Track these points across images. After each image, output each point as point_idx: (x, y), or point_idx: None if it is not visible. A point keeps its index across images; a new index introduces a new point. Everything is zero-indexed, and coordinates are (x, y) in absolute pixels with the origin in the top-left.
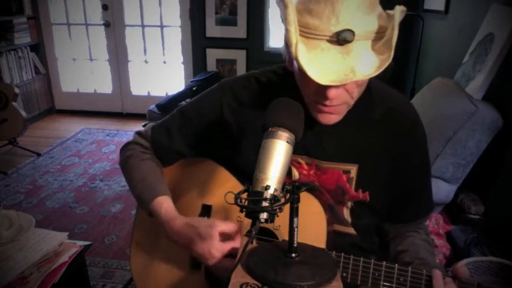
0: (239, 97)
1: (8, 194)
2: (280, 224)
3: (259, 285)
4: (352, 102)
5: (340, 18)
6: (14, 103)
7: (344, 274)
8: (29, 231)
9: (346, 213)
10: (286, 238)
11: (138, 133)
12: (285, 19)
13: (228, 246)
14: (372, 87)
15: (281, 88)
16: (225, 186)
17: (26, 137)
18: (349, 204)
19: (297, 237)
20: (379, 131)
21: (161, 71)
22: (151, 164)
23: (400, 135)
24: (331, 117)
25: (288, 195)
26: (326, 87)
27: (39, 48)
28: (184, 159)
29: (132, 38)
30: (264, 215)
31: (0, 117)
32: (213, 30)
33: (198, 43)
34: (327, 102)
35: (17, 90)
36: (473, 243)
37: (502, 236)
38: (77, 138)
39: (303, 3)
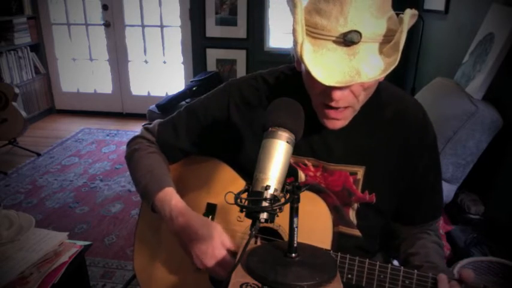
0: (246, 97)
1: (8, 194)
2: (280, 224)
3: (259, 285)
4: (358, 106)
5: (348, 19)
6: (14, 103)
7: (349, 276)
8: (29, 231)
9: (352, 215)
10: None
11: (146, 128)
12: (293, 18)
13: (226, 253)
14: (381, 88)
15: (289, 89)
16: (231, 185)
17: (26, 137)
18: (355, 205)
19: (297, 237)
20: (387, 133)
21: (161, 71)
22: (158, 157)
23: (410, 136)
24: (336, 122)
25: (288, 195)
26: (331, 89)
27: (39, 48)
28: (189, 157)
29: (132, 38)
30: (264, 215)
31: (0, 117)
32: (213, 30)
33: (198, 43)
34: (332, 104)
35: (17, 90)
36: (473, 243)
37: (502, 236)
38: (77, 138)
39: (313, 3)
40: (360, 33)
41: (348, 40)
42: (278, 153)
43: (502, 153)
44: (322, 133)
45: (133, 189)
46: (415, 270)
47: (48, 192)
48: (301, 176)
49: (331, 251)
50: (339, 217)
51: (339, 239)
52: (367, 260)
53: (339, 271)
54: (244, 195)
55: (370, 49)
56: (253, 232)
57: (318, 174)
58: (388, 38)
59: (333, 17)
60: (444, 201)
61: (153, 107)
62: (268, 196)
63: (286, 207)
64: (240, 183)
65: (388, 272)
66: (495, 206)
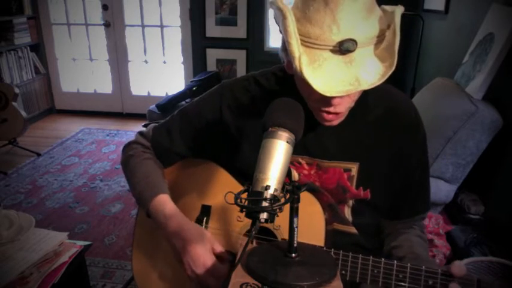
0: (238, 98)
1: (8, 194)
2: (280, 224)
3: (259, 285)
4: (353, 104)
5: (341, 27)
6: (14, 103)
7: (343, 272)
8: (29, 231)
9: (348, 212)
10: (285, 237)
11: (140, 133)
12: (284, 30)
13: (215, 262)
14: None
15: (280, 90)
16: (224, 186)
17: (26, 137)
18: (351, 202)
19: (297, 237)
20: (379, 129)
21: (161, 71)
22: (152, 164)
23: (400, 133)
24: (334, 121)
25: (288, 195)
26: (330, 97)
27: (39, 48)
28: (184, 160)
29: (132, 38)
30: (264, 215)
31: (0, 117)
32: (213, 30)
33: (198, 43)
34: (331, 109)
35: (17, 90)
36: (473, 243)
37: (502, 236)
38: (77, 138)
39: (301, 11)
40: (355, 41)
41: (344, 49)
42: (278, 153)
43: (502, 153)
44: (316, 131)
45: None
46: (408, 264)
47: (48, 192)
48: (295, 174)
49: (324, 248)
50: (333, 215)
51: (334, 236)
52: (360, 255)
53: None
54: (244, 195)
55: (365, 53)
56: (253, 232)
57: (312, 172)
58: (380, 38)
59: (326, 26)
60: (444, 201)
61: (153, 107)
62: (268, 196)
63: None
64: (233, 185)
65: (382, 266)
66: (495, 206)
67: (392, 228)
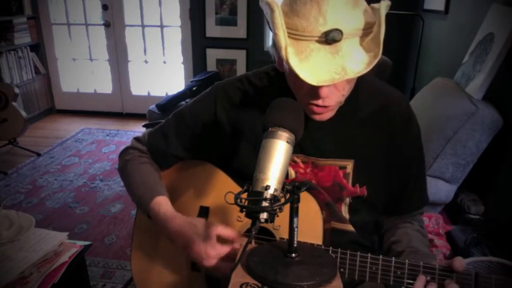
0: (232, 99)
1: (8, 194)
2: (279, 224)
3: (259, 285)
4: (343, 99)
5: (327, 18)
6: (14, 103)
7: (341, 270)
8: (29, 231)
9: (344, 210)
10: (284, 237)
11: (136, 139)
12: (272, 23)
13: (225, 248)
14: (363, 82)
15: (273, 89)
16: (222, 188)
17: (26, 137)
18: (347, 200)
19: (297, 237)
20: (373, 126)
21: (161, 71)
22: (149, 167)
23: (393, 128)
24: (323, 115)
25: (288, 195)
26: (318, 87)
27: (39, 48)
28: (181, 162)
29: (132, 38)
30: (264, 215)
31: (0, 117)
32: (213, 30)
33: (198, 43)
34: (319, 102)
35: (17, 90)
36: (473, 243)
37: (502, 236)
38: (77, 138)
39: (289, 5)
40: (340, 31)
41: (329, 39)
42: (278, 153)
43: (502, 153)
44: (310, 129)
45: None
46: (406, 260)
47: (48, 192)
48: (291, 173)
49: (322, 247)
50: (331, 213)
51: (332, 235)
52: (359, 253)
53: None
54: (244, 195)
55: (351, 44)
56: (253, 232)
57: (308, 170)
58: (367, 31)
59: (312, 17)
60: (444, 201)
61: (153, 107)
62: (268, 196)
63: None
64: (231, 185)
65: (380, 263)
66: (495, 206)
67: (391, 223)
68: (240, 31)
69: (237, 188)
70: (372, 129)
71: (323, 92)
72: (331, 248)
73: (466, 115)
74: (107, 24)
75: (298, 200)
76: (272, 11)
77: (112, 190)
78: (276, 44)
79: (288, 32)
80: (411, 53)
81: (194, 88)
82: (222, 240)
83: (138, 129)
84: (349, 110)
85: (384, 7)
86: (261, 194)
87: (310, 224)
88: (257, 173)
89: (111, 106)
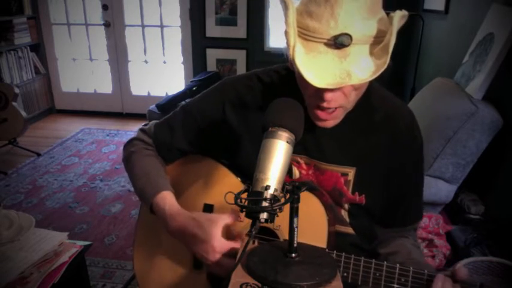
0: (242, 97)
1: (8, 194)
2: (281, 224)
3: (259, 285)
4: (349, 106)
5: (338, 22)
6: (14, 103)
7: (345, 274)
8: (29, 231)
9: (344, 215)
10: (287, 237)
11: (142, 130)
12: (285, 21)
13: (229, 244)
14: (371, 91)
15: (283, 88)
16: (227, 185)
17: (26, 137)
18: (346, 206)
19: (297, 237)
20: (378, 136)
21: (161, 71)
22: (154, 160)
23: (398, 141)
24: (327, 122)
25: (288, 195)
26: (323, 90)
27: (39, 48)
28: (185, 157)
29: (132, 38)
30: (264, 215)
31: (0, 117)
32: (213, 30)
33: (198, 43)
34: (324, 105)
35: (17, 90)
36: (473, 243)
37: (502, 236)
38: (77, 138)
39: (305, 5)
40: (350, 36)
41: (338, 43)
42: (278, 153)
43: (502, 153)
44: (315, 132)
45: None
46: (411, 267)
47: (48, 192)
48: (296, 172)
49: (326, 250)
50: (334, 216)
51: (335, 237)
52: (363, 258)
53: None
54: (244, 195)
55: (360, 51)
56: (253, 232)
57: (310, 172)
58: (378, 39)
59: (324, 20)
60: (444, 201)
61: (153, 107)
62: (268, 196)
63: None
64: (235, 183)
65: (384, 269)
66: (495, 206)
67: (386, 235)
68: (240, 31)
69: (242, 186)
70: (377, 138)
71: (327, 95)
72: (335, 251)
73: (466, 115)
74: (107, 24)
75: (298, 200)
76: (287, 8)
77: (112, 190)
78: (286, 43)
79: (299, 31)
80: (411, 53)
81: (194, 88)
82: (226, 236)
83: (139, 127)
84: (357, 118)
85: (397, 16)
86: (261, 194)
87: (315, 227)
88: (257, 173)
89: (111, 106)
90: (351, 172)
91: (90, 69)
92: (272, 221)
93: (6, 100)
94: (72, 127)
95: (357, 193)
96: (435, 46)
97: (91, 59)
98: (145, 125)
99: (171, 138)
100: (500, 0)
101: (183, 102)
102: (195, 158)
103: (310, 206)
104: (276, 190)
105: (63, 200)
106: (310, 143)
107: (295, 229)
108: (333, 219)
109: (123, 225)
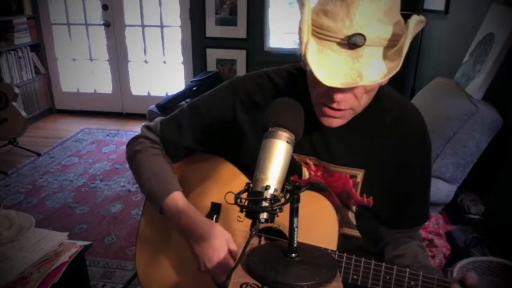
0: (252, 96)
1: (8, 194)
2: (284, 224)
3: (259, 285)
4: (358, 109)
5: (354, 22)
6: (14, 103)
7: (355, 277)
8: (29, 231)
9: (351, 217)
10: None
11: (147, 127)
12: (300, 18)
13: (230, 259)
14: (383, 94)
15: (294, 88)
16: (235, 184)
17: (26, 137)
18: (354, 208)
19: (297, 237)
20: (387, 138)
21: (161, 71)
22: (162, 159)
23: (407, 144)
24: (334, 120)
25: (288, 195)
26: (333, 90)
27: (39, 48)
28: (192, 156)
29: (132, 38)
30: (264, 215)
31: (0, 117)
32: (213, 30)
33: (198, 43)
34: (334, 105)
35: (17, 90)
36: (473, 243)
37: (502, 236)
38: (77, 138)
39: (321, 4)
40: (364, 37)
41: (351, 43)
42: (278, 153)
43: (502, 153)
44: (325, 134)
45: (134, 189)
46: (421, 272)
47: (48, 192)
48: (305, 173)
49: (337, 252)
50: (341, 218)
51: (343, 240)
52: (373, 261)
53: (345, 272)
54: (245, 195)
55: (374, 53)
56: (253, 232)
57: (319, 173)
58: (393, 42)
59: (340, 19)
60: (444, 201)
61: (153, 107)
62: (268, 196)
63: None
64: (244, 182)
65: (394, 273)
66: (495, 206)
67: (392, 237)
68: (240, 31)
69: None
70: (386, 141)
71: (338, 96)
72: (345, 254)
73: (466, 115)
74: (107, 24)
75: (298, 200)
76: (302, 5)
77: (112, 190)
78: (299, 39)
79: (313, 30)
80: (411, 53)
81: (194, 88)
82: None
83: (138, 129)
84: (367, 120)
85: (414, 21)
86: (261, 194)
87: (326, 228)
88: (257, 173)
89: (111, 106)
90: (360, 174)
91: (90, 69)
92: (272, 221)
93: (6, 100)
94: (72, 127)
95: (365, 195)
96: (435, 46)
97: (91, 59)
98: (148, 122)
99: (179, 136)
100: (500, 0)
101: (183, 102)
102: (202, 156)
103: (321, 207)
104: (276, 190)
105: (63, 200)
106: (319, 145)
107: (295, 229)
108: (341, 221)
109: (123, 225)
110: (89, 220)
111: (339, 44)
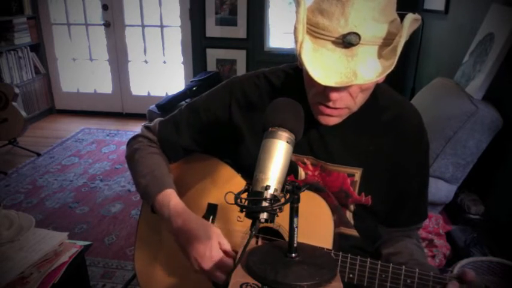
0: (248, 96)
1: (8, 194)
2: (282, 224)
3: (259, 285)
4: (354, 107)
5: (349, 21)
6: (14, 103)
7: (351, 275)
8: (29, 231)
9: (349, 216)
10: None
11: (146, 127)
12: (295, 16)
13: (224, 258)
14: (380, 92)
15: (291, 88)
16: (231, 184)
17: (26, 137)
18: (352, 207)
19: (297, 237)
20: (385, 137)
21: (161, 71)
22: (158, 158)
23: (405, 142)
24: (330, 119)
25: (288, 195)
26: (329, 89)
27: (39, 48)
28: (190, 156)
29: (132, 38)
30: (264, 215)
31: (0, 117)
32: (213, 30)
33: (198, 43)
34: (330, 104)
35: (17, 90)
36: (473, 243)
37: (502, 236)
38: (77, 138)
39: (317, 3)
40: (358, 36)
41: (346, 42)
42: (278, 153)
43: (502, 153)
44: (322, 133)
45: (133, 189)
46: (417, 269)
47: (48, 192)
48: (302, 173)
49: (332, 251)
50: (339, 218)
51: (339, 239)
52: (369, 259)
53: (341, 271)
54: (244, 195)
55: (368, 52)
56: (253, 232)
57: (316, 173)
58: (388, 41)
59: (335, 18)
60: (444, 201)
61: (153, 107)
62: (268, 196)
63: (287, 207)
64: (240, 183)
65: (390, 271)
66: (495, 206)
67: (389, 235)
68: (240, 31)
69: None
70: (384, 139)
71: (333, 95)
72: (341, 253)
73: (466, 115)
74: (106, 24)
75: (298, 200)
76: (298, 4)
77: (112, 190)
78: (294, 39)
79: (308, 29)
80: (411, 53)
81: (194, 88)
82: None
83: (138, 129)
84: (364, 119)
85: (408, 19)
86: (261, 194)
87: (321, 228)
88: (257, 173)
89: (111, 106)
90: (358, 173)
91: (90, 69)
92: (272, 221)
93: (6, 100)
94: (72, 127)
95: (363, 194)
96: (435, 46)
97: (91, 59)
98: (149, 122)
99: (176, 136)
100: (500, 0)
101: (183, 102)
102: (199, 157)
103: (317, 208)
104: (276, 190)
105: (63, 200)
106: (316, 144)
107: (295, 229)
108: (338, 221)
109: (123, 225)
110: (88, 220)
111: (333, 42)
